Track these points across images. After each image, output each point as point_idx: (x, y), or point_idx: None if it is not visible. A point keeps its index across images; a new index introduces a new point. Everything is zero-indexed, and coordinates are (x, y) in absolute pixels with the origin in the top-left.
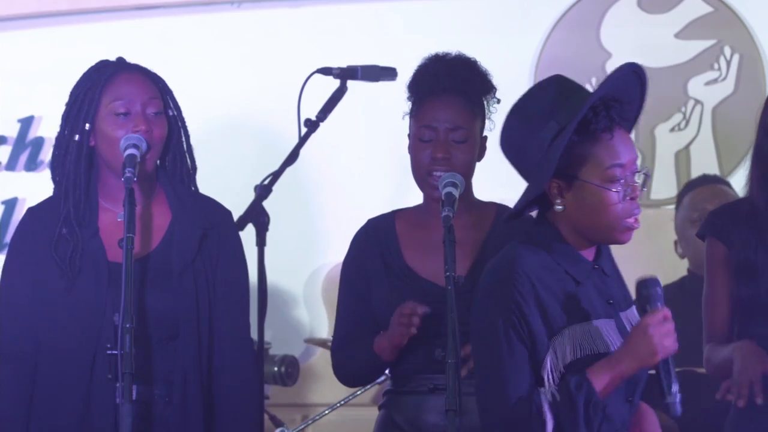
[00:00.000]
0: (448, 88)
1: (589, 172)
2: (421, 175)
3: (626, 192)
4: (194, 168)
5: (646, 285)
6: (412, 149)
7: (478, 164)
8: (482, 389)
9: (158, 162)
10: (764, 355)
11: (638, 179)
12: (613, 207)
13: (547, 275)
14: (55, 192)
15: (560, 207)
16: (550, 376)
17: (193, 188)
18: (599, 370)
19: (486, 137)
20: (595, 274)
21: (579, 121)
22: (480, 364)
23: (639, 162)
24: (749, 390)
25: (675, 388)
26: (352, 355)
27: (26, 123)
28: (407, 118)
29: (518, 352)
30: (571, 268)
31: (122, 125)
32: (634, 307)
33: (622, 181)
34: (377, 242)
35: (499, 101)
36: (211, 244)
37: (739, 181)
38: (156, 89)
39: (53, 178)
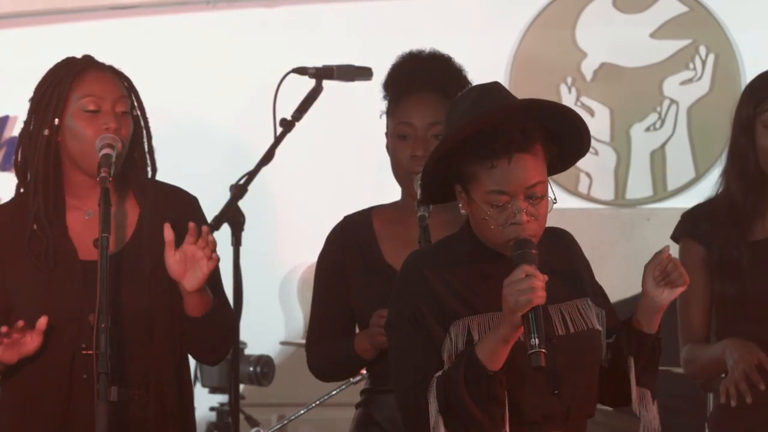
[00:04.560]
0: (423, 85)
1: (474, 189)
2: (402, 174)
3: (507, 218)
4: (154, 170)
5: (515, 247)
6: (391, 148)
7: None
8: (391, 374)
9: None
10: (755, 347)
11: (532, 205)
12: (492, 229)
13: (448, 270)
14: (23, 188)
15: (464, 212)
16: (446, 365)
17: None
18: (483, 341)
19: None
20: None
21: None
22: (388, 353)
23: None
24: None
25: (534, 341)
26: (330, 351)
27: (1, 123)
28: (383, 116)
29: (414, 340)
30: (481, 264)
31: (91, 122)
32: (584, 299)
33: (504, 206)
34: (355, 239)
35: None
36: (182, 236)
37: (714, 181)
38: (124, 88)
39: (19, 174)
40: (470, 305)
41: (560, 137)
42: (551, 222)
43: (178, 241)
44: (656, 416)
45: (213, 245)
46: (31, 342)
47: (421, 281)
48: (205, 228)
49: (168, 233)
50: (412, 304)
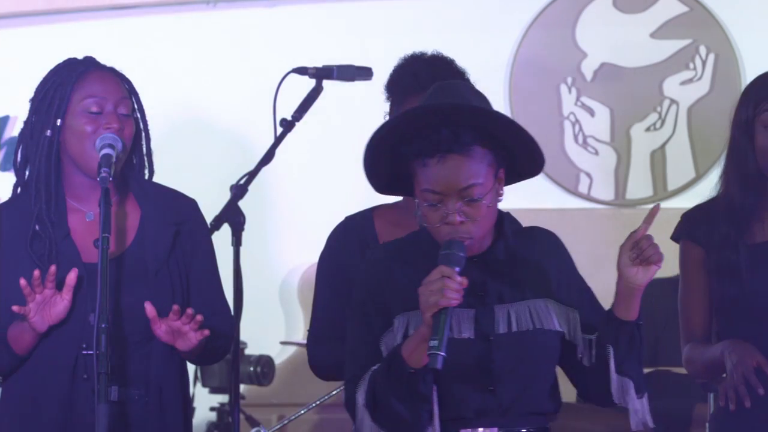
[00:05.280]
0: (426, 87)
1: (416, 186)
2: None
3: (441, 217)
4: (152, 172)
5: (442, 247)
6: None
7: None
8: None
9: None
10: (755, 349)
11: (467, 207)
12: (431, 227)
13: (398, 267)
14: (22, 188)
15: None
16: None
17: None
18: (408, 339)
19: None
20: (473, 266)
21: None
22: None
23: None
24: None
25: (433, 343)
26: (332, 351)
27: (2, 123)
28: (384, 117)
29: (359, 333)
30: (434, 261)
31: (93, 123)
32: (544, 300)
33: (438, 206)
34: (357, 239)
35: None
36: (184, 240)
37: (714, 181)
38: (126, 90)
39: (19, 173)
40: (414, 301)
41: (511, 146)
42: (553, 221)
43: (178, 243)
44: (642, 409)
45: (198, 323)
46: (61, 301)
47: (374, 275)
48: (189, 310)
49: (149, 310)
50: (363, 297)
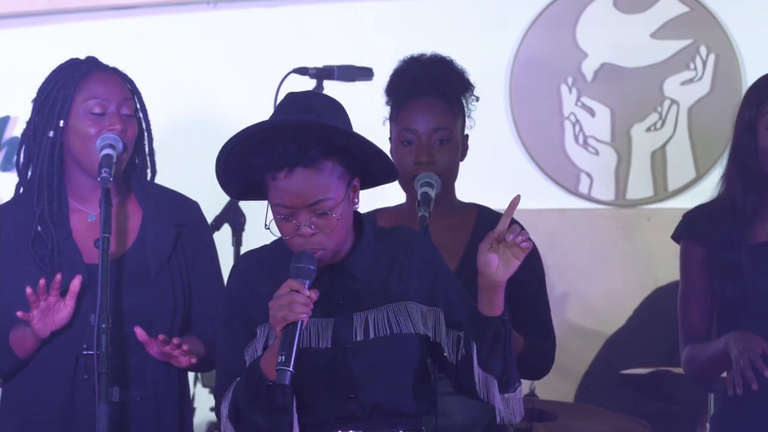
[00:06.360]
0: (426, 90)
1: (269, 198)
2: (407, 179)
3: (292, 229)
4: (154, 172)
5: (293, 260)
6: (395, 154)
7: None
8: None
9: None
10: (760, 337)
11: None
12: (285, 239)
13: (260, 276)
14: (24, 188)
15: None
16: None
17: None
18: (267, 350)
19: (467, 136)
20: (332, 275)
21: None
22: None
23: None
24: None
25: (280, 358)
26: None
27: (2, 123)
28: (384, 121)
29: (227, 345)
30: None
31: (96, 124)
32: (404, 303)
33: (288, 218)
34: None
35: (478, 99)
36: (186, 241)
37: (714, 181)
38: (128, 91)
39: (22, 173)
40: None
41: (361, 157)
42: (553, 221)
43: (179, 245)
44: (508, 405)
45: (184, 352)
46: (64, 307)
47: (237, 285)
48: (175, 340)
49: (140, 334)
50: (227, 307)
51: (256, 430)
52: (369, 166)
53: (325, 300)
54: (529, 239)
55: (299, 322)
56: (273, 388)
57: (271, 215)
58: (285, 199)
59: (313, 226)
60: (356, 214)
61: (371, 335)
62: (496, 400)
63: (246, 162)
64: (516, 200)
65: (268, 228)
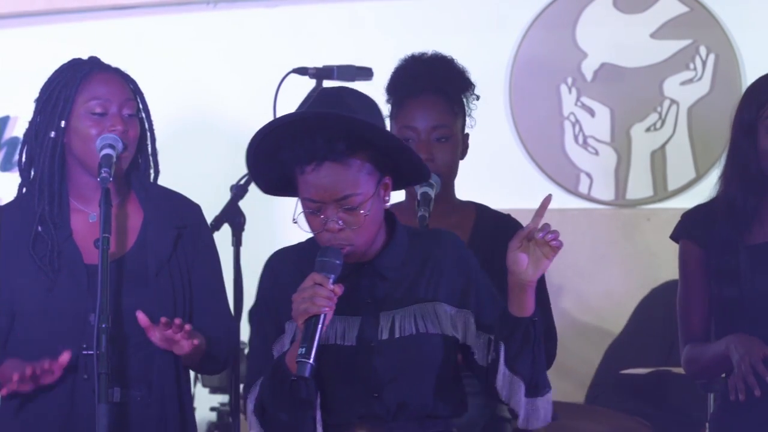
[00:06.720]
0: (426, 88)
1: (299, 192)
2: None
3: (320, 224)
4: (157, 172)
5: (318, 254)
6: None
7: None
8: None
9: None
10: (761, 341)
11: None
12: (314, 233)
13: (290, 273)
14: (25, 189)
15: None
16: None
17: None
18: (292, 346)
19: (468, 134)
20: (361, 274)
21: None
22: None
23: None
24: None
25: (301, 351)
26: None
27: (2, 123)
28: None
29: (257, 340)
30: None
31: (98, 124)
32: (432, 304)
33: (316, 212)
34: None
35: (478, 98)
36: (186, 243)
37: (714, 181)
38: (130, 91)
39: (24, 174)
40: None
41: (391, 154)
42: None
43: (180, 247)
44: (534, 410)
45: (187, 334)
46: (50, 375)
47: (268, 281)
48: (177, 320)
49: (142, 319)
50: (259, 303)
51: (281, 426)
52: (400, 165)
53: (353, 298)
54: (559, 239)
55: (322, 315)
56: (297, 382)
57: (300, 209)
58: (313, 193)
59: (340, 222)
60: (389, 213)
61: (396, 335)
62: (521, 403)
63: (276, 155)
64: (548, 199)
65: (296, 222)
